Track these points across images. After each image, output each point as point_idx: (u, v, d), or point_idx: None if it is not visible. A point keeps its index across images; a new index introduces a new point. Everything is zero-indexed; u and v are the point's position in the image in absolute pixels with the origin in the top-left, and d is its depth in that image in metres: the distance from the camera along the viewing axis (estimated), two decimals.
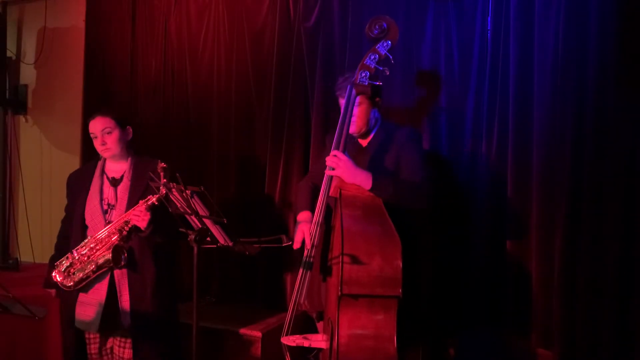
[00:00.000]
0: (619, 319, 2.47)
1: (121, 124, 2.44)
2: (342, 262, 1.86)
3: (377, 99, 2.29)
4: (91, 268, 2.30)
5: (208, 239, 2.11)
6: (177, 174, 1.98)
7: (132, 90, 3.74)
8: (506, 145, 2.74)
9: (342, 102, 2.25)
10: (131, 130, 2.49)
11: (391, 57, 2.15)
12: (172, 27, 3.63)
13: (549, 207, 2.63)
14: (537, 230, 2.66)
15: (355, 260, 1.87)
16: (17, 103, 4.11)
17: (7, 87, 4.02)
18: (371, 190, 2.06)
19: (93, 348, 2.43)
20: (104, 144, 2.40)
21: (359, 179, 2.06)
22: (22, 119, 4.17)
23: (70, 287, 2.32)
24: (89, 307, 2.36)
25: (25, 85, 4.13)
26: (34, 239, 3.90)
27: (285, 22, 3.29)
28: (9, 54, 3.99)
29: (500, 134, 2.76)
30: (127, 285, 2.36)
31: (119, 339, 2.40)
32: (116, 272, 2.35)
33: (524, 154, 2.70)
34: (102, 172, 2.48)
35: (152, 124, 3.68)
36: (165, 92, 3.65)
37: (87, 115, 3.62)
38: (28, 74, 4.13)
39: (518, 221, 2.71)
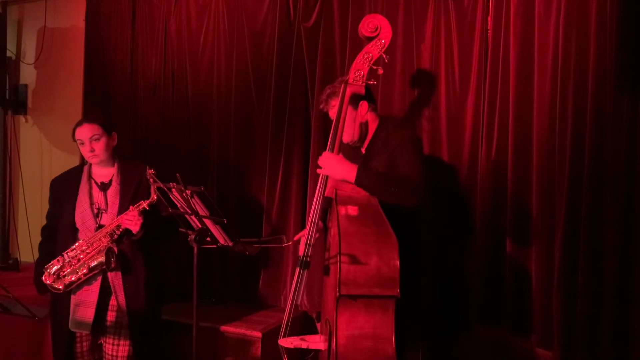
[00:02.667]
0: (619, 319, 2.47)
1: (107, 130, 2.46)
2: (340, 263, 1.85)
3: (362, 103, 2.23)
4: (83, 271, 2.33)
5: (208, 239, 2.11)
6: (177, 174, 1.98)
7: (132, 90, 3.74)
8: (506, 145, 2.74)
9: (330, 113, 2.26)
10: (116, 136, 2.51)
11: (385, 57, 2.15)
12: (172, 27, 3.63)
13: (549, 207, 2.63)
14: (537, 230, 2.66)
15: (352, 260, 1.86)
16: (17, 103, 4.11)
17: (7, 87, 4.02)
18: (355, 183, 2.05)
19: (85, 346, 2.44)
20: (92, 150, 2.42)
21: (343, 174, 2.06)
22: (22, 119, 4.17)
23: (60, 289, 2.33)
24: (84, 308, 2.38)
25: (25, 85, 4.13)
26: (34, 239, 3.89)
27: (285, 22, 3.28)
28: (9, 54, 3.99)
29: (500, 133, 2.76)
30: (121, 285, 2.38)
31: (111, 338, 2.41)
32: (110, 272, 2.37)
33: (524, 153, 2.70)
34: (89, 177, 2.50)
35: (152, 124, 3.68)
36: (165, 92, 3.64)
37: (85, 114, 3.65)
38: (28, 74, 4.12)
39: (518, 221, 2.71)
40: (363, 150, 2.32)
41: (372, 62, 2.12)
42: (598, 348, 2.50)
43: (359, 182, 2.04)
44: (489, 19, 2.79)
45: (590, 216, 2.51)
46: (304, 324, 3.15)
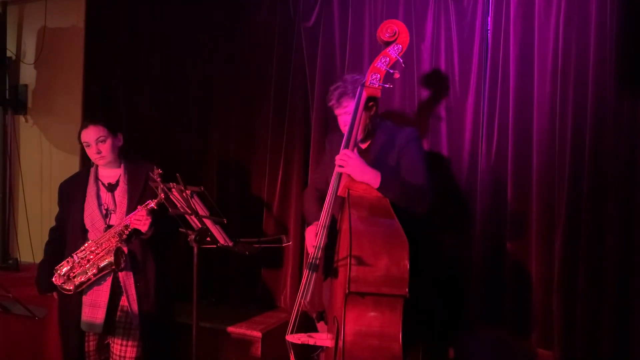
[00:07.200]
0: (619, 319, 2.47)
1: (113, 131, 2.46)
2: (350, 261, 1.87)
3: (371, 104, 2.29)
4: (93, 271, 2.33)
5: (208, 239, 2.11)
6: (177, 174, 1.98)
7: (132, 90, 3.73)
8: (506, 145, 2.74)
9: (337, 112, 2.32)
10: (122, 136, 2.51)
11: (402, 61, 2.18)
12: None
13: (549, 207, 2.63)
14: (537, 230, 2.66)
15: (362, 259, 1.88)
16: (17, 103, 4.10)
17: (7, 87, 4.02)
18: (379, 189, 2.09)
19: (92, 345, 2.45)
20: (99, 152, 2.43)
21: (368, 177, 2.10)
22: (22, 119, 4.17)
23: (70, 290, 2.33)
24: (95, 308, 2.38)
25: (25, 85, 4.12)
26: (34, 239, 3.89)
27: (286, 22, 3.29)
28: (9, 54, 3.99)
29: (500, 133, 2.76)
30: (132, 285, 2.38)
31: (119, 338, 2.40)
32: (121, 273, 2.37)
33: (524, 153, 2.70)
34: (97, 178, 2.51)
35: (152, 125, 3.67)
36: (165, 92, 3.64)
37: (87, 115, 3.65)
38: (28, 74, 4.12)
39: (518, 221, 2.71)
40: (363, 146, 2.37)
41: (389, 66, 2.16)
42: (598, 348, 2.50)
43: (383, 189, 2.09)
44: (489, 19, 2.79)
45: (590, 216, 2.51)
46: (304, 324, 3.14)
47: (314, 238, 2.21)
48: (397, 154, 2.28)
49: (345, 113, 2.27)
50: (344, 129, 2.26)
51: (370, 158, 2.28)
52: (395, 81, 2.24)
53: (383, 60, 2.16)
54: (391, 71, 2.16)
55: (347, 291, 1.87)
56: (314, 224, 2.31)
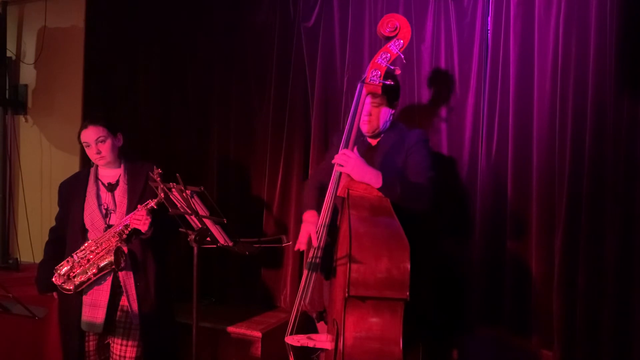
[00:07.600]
0: (619, 319, 2.47)
1: (112, 131, 2.46)
2: (350, 264, 1.84)
3: (395, 103, 2.30)
4: (93, 271, 2.32)
5: (208, 239, 2.11)
6: (177, 174, 1.98)
7: (132, 91, 3.73)
8: (506, 145, 2.74)
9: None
10: (121, 136, 2.51)
11: (403, 57, 2.14)
12: None
13: (549, 207, 2.63)
14: (537, 230, 2.66)
15: (362, 262, 1.85)
16: (17, 103, 4.10)
17: (7, 87, 4.02)
18: (380, 189, 2.04)
19: (92, 345, 2.44)
20: (99, 152, 2.43)
21: (368, 177, 2.05)
22: (22, 119, 4.17)
23: (70, 290, 2.33)
24: (95, 308, 2.38)
25: (25, 85, 4.12)
26: (34, 239, 3.89)
27: (285, 21, 3.29)
28: (9, 54, 3.99)
29: (500, 133, 2.76)
30: (133, 285, 2.39)
31: (119, 338, 2.40)
32: (121, 272, 2.37)
33: (524, 153, 2.70)
34: (96, 178, 2.51)
35: (152, 125, 3.67)
36: (165, 92, 3.64)
37: (87, 115, 3.65)
38: (28, 74, 4.12)
39: (518, 221, 2.71)
40: (373, 143, 2.35)
41: (389, 62, 2.10)
42: (598, 348, 2.50)
43: (384, 189, 2.05)
44: (489, 19, 2.79)
45: (590, 216, 2.51)
46: (304, 324, 3.14)
47: (313, 233, 2.16)
48: (404, 154, 2.25)
49: (369, 104, 2.22)
50: (364, 118, 2.23)
51: (378, 156, 2.26)
52: (396, 78, 2.19)
53: (384, 56, 2.09)
54: (392, 67, 2.10)
55: (346, 295, 1.84)
56: (308, 220, 2.26)
